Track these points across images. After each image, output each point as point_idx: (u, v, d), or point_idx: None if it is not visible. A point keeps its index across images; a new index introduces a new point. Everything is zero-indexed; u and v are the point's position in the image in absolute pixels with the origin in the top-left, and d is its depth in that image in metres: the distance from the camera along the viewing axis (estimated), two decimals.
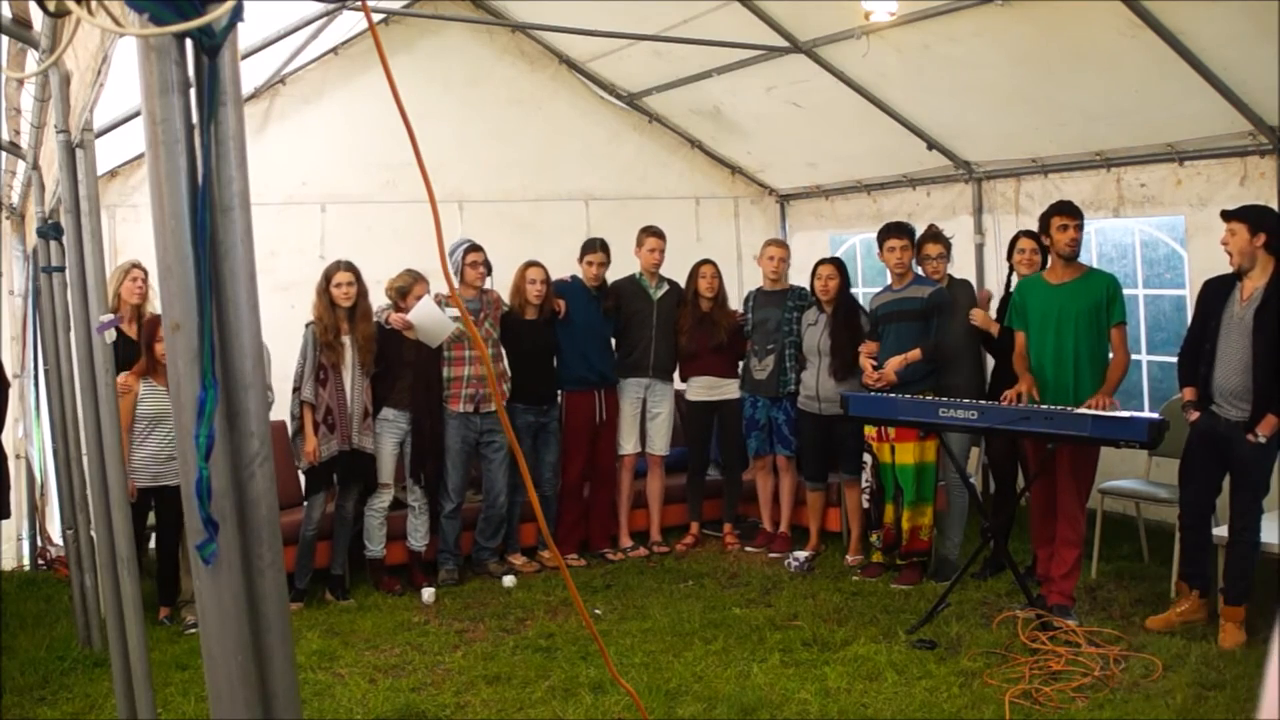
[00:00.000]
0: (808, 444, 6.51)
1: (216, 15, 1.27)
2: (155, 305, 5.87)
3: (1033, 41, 5.52)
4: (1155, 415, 5.07)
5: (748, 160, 8.56)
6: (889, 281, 6.06)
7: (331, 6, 6.00)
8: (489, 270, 6.27)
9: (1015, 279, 5.70)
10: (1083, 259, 5.34)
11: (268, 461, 1.38)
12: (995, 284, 6.54)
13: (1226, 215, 4.76)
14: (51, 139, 3.16)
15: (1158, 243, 6.67)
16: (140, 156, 6.17)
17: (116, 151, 6.35)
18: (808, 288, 6.52)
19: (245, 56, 5.70)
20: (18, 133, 4.56)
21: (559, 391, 6.58)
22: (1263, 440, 4.59)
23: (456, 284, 6.13)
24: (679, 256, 6.89)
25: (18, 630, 5.45)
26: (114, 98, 4.61)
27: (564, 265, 6.64)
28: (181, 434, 1.32)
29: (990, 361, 6.06)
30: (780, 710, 4.26)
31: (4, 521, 5.87)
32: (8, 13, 2.88)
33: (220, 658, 1.34)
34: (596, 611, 5.58)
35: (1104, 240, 7.13)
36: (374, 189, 7.25)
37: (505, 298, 6.44)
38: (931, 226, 6.14)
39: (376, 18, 7.04)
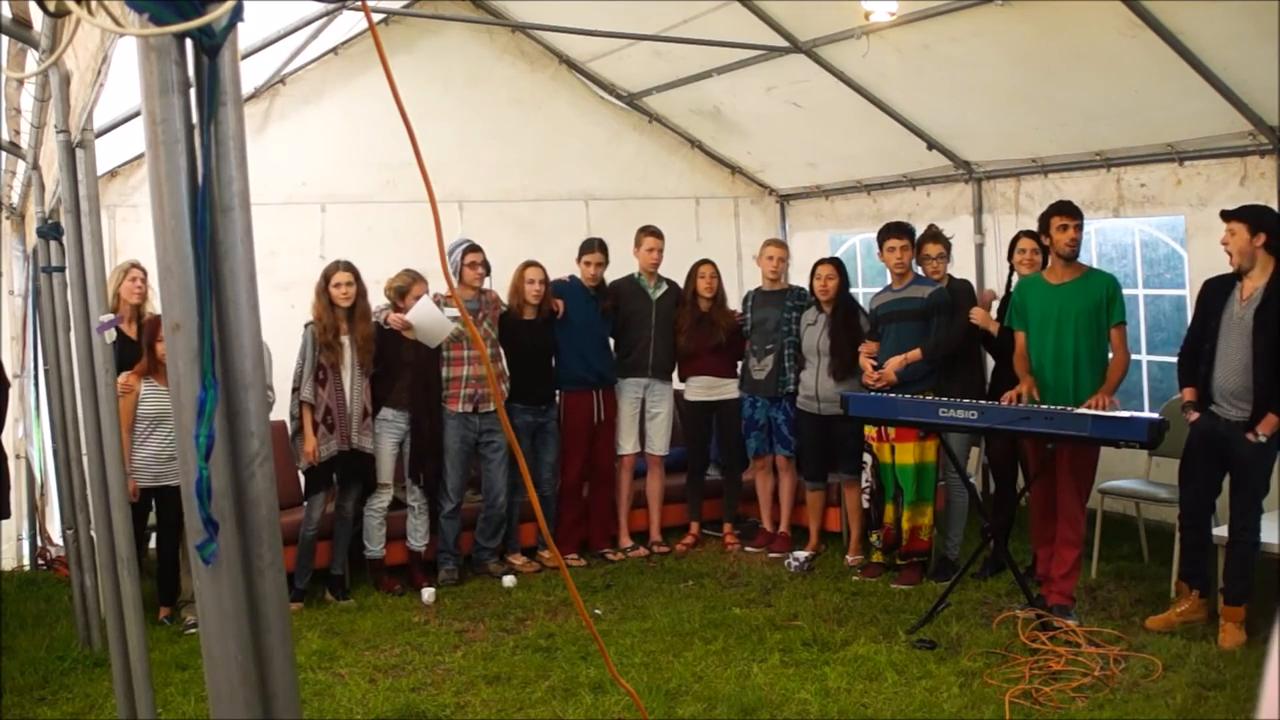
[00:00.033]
0: (807, 444, 6.51)
1: (216, 15, 1.27)
2: (155, 305, 5.87)
3: (1033, 41, 5.52)
4: (1155, 415, 5.07)
5: (748, 160, 8.56)
6: (889, 281, 6.06)
7: (331, 6, 6.00)
8: (487, 270, 6.27)
9: (1016, 279, 5.70)
10: (1083, 259, 5.34)
11: (268, 461, 1.38)
12: (995, 284, 6.54)
13: (1226, 215, 4.76)
14: (51, 139, 3.16)
15: (1158, 243, 6.67)
16: (140, 156, 6.17)
17: (116, 151, 6.35)
18: (807, 288, 6.52)
19: (245, 56, 5.70)
20: (18, 133, 4.56)
21: (557, 392, 6.58)
22: (1263, 439, 4.59)
23: (455, 284, 6.13)
24: (679, 256, 6.89)
25: (18, 630, 5.45)
26: (114, 98, 4.61)
27: (564, 265, 6.64)
28: (181, 434, 1.32)
29: (990, 361, 6.06)
30: (780, 710, 4.26)
31: (4, 521, 5.87)
32: (8, 13, 2.88)
33: (220, 658, 1.34)
34: (596, 611, 5.58)
35: (1104, 240, 7.13)
36: (374, 189, 7.25)
37: (503, 298, 6.44)
38: (931, 226, 6.14)
39: (376, 18, 7.04)
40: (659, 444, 6.80)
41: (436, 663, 4.95)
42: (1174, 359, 5.29)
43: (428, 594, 5.90)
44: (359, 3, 5.84)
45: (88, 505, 4.06)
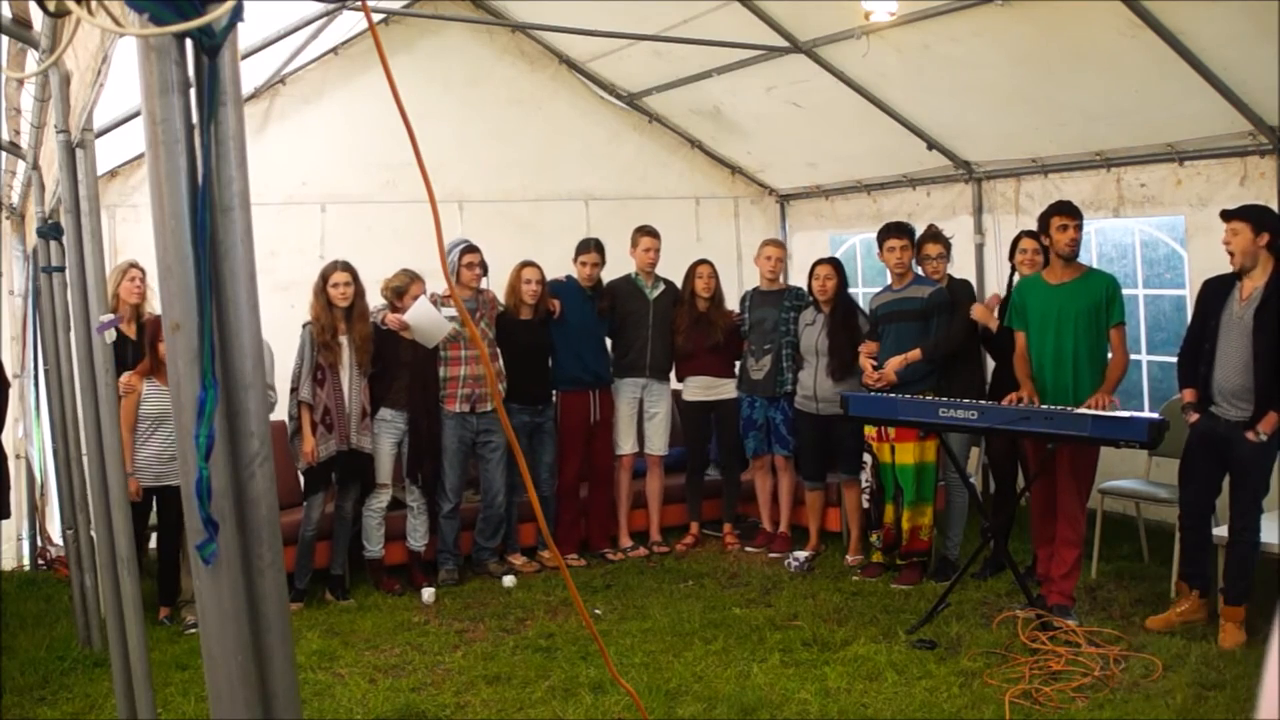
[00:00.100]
0: (806, 444, 6.51)
1: (216, 15, 1.27)
2: (154, 305, 5.87)
3: (1033, 41, 5.52)
4: (1155, 415, 5.07)
5: (748, 160, 8.56)
6: (889, 281, 6.06)
7: (331, 6, 6.00)
8: (485, 271, 6.27)
9: (1017, 279, 5.70)
10: (1083, 259, 5.34)
11: (268, 461, 1.38)
12: (996, 284, 6.54)
13: (1227, 215, 4.75)
14: (51, 139, 3.16)
15: (1158, 243, 6.67)
16: (140, 156, 6.17)
17: (116, 151, 6.35)
18: (805, 288, 6.52)
19: (245, 56, 5.70)
20: (18, 133, 4.56)
21: (554, 392, 6.58)
22: (1264, 438, 4.59)
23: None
24: (679, 256, 6.89)
25: (18, 630, 5.45)
26: (114, 98, 4.61)
27: (563, 265, 6.64)
28: (181, 434, 1.32)
29: (990, 362, 6.05)
30: (780, 710, 4.26)
31: (4, 521, 5.87)
32: (8, 13, 2.88)
33: (220, 658, 1.34)
34: (596, 611, 5.58)
35: (1104, 240, 7.13)
36: (374, 189, 7.25)
37: (500, 297, 6.44)
38: (931, 226, 6.14)
39: (376, 18, 7.04)
40: (658, 444, 6.80)
41: (436, 663, 4.95)
42: (1174, 359, 5.29)
43: (428, 594, 5.90)
44: (359, 3, 5.84)
45: (88, 505, 4.06)
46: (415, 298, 5.92)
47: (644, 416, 6.78)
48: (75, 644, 5.13)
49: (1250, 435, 4.62)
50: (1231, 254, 4.70)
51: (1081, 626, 4.90)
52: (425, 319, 5.83)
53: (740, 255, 8.44)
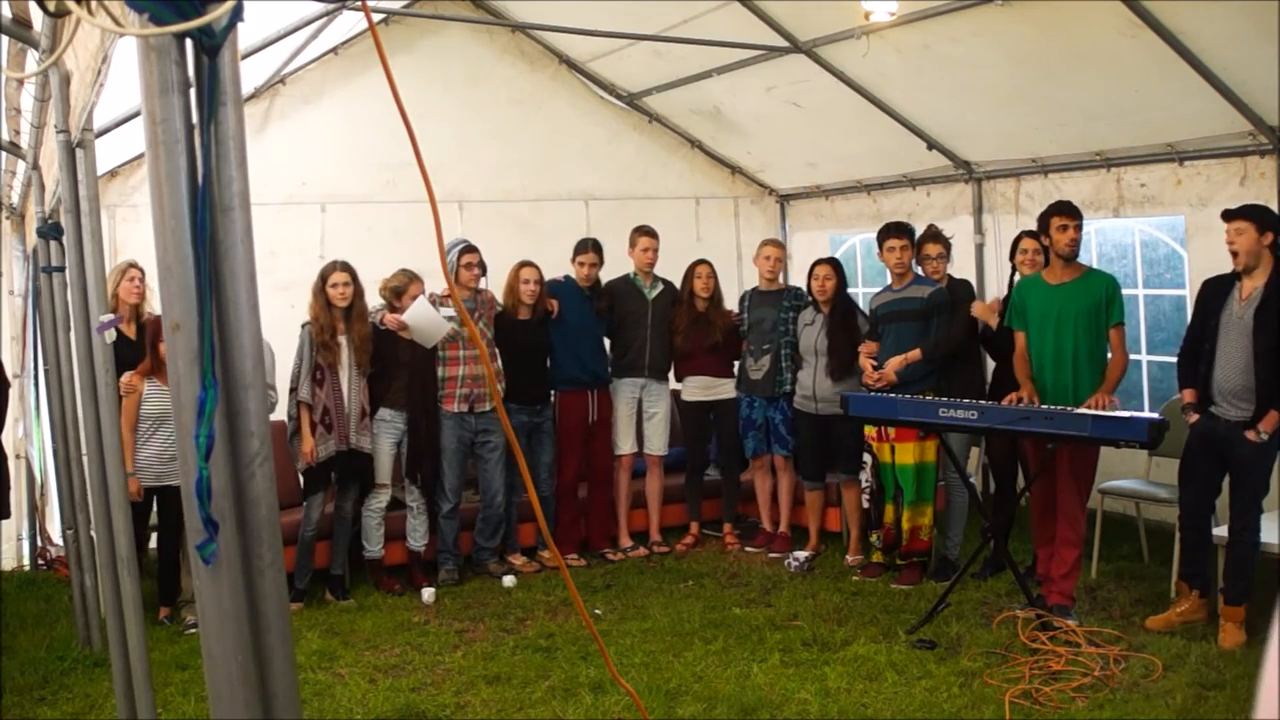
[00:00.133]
0: (805, 444, 6.51)
1: (216, 15, 1.27)
2: (153, 305, 5.87)
3: (1033, 41, 5.52)
4: (1155, 415, 5.07)
5: (748, 160, 8.56)
6: (889, 281, 6.06)
7: (331, 6, 6.00)
8: (483, 271, 6.27)
9: (1017, 279, 5.69)
10: (1083, 259, 5.34)
11: (268, 461, 1.38)
12: (995, 284, 6.54)
13: (1230, 214, 4.74)
14: (51, 139, 3.16)
15: (1158, 243, 6.68)
16: (140, 156, 6.17)
17: (116, 151, 6.35)
18: (805, 288, 6.52)
19: (245, 56, 5.70)
20: (18, 133, 4.56)
21: (552, 392, 6.58)
22: (1265, 437, 4.59)
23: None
24: (679, 256, 6.89)
25: (18, 630, 5.45)
26: (114, 98, 4.61)
27: (563, 265, 6.64)
28: (181, 434, 1.32)
29: (990, 362, 6.05)
30: (780, 710, 4.26)
31: (4, 521, 5.87)
32: (8, 13, 2.88)
33: (220, 658, 1.34)
34: (596, 611, 5.58)
35: (1104, 240, 7.13)
36: (374, 189, 7.25)
37: (499, 297, 6.44)
38: (931, 226, 6.14)
39: (376, 18, 7.04)
40: (657, 444, 6.80)
41: (436, 663, 4.95)
42: (1174, 359, 5.29)
43: (428, 594, 5.90)
44: (359, 3, 5.84)
45: (88, 505, 4.06)
46: (414, 298, 5.92)
47: (643, 416, 6.78)
48: (75, 644, 5.13)
49: (1251, 435, 4.62)
50: (1235, 253, 4.69)
51: (1081, 626, 4.90)
52: (424, 319, 5.83)
53: (740, 255, 8.44)
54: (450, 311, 5.96)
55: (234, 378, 1.35)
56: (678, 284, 6.81)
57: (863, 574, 6.05)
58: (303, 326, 5.84)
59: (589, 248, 6.59)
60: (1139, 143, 6.01)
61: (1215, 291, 4.85)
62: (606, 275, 6.73)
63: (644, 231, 6.74)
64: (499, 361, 6.32)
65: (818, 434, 6.39)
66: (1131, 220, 6.51)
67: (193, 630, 5.25)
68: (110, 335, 3.08)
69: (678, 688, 4.49)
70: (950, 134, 6.94)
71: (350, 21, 6.77)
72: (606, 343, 6.79)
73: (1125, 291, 5.35)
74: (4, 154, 5.31)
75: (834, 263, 6.48)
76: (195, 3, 1.26)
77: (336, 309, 5.79)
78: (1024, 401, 5.12)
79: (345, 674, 4.82)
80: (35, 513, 6.77)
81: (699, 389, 6.80)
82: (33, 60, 3.21)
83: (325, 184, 7.30)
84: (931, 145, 7.01)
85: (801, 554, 6.37)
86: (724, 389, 6.77)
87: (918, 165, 7.35)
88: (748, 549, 6.74)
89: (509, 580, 6.15)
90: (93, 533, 3.65)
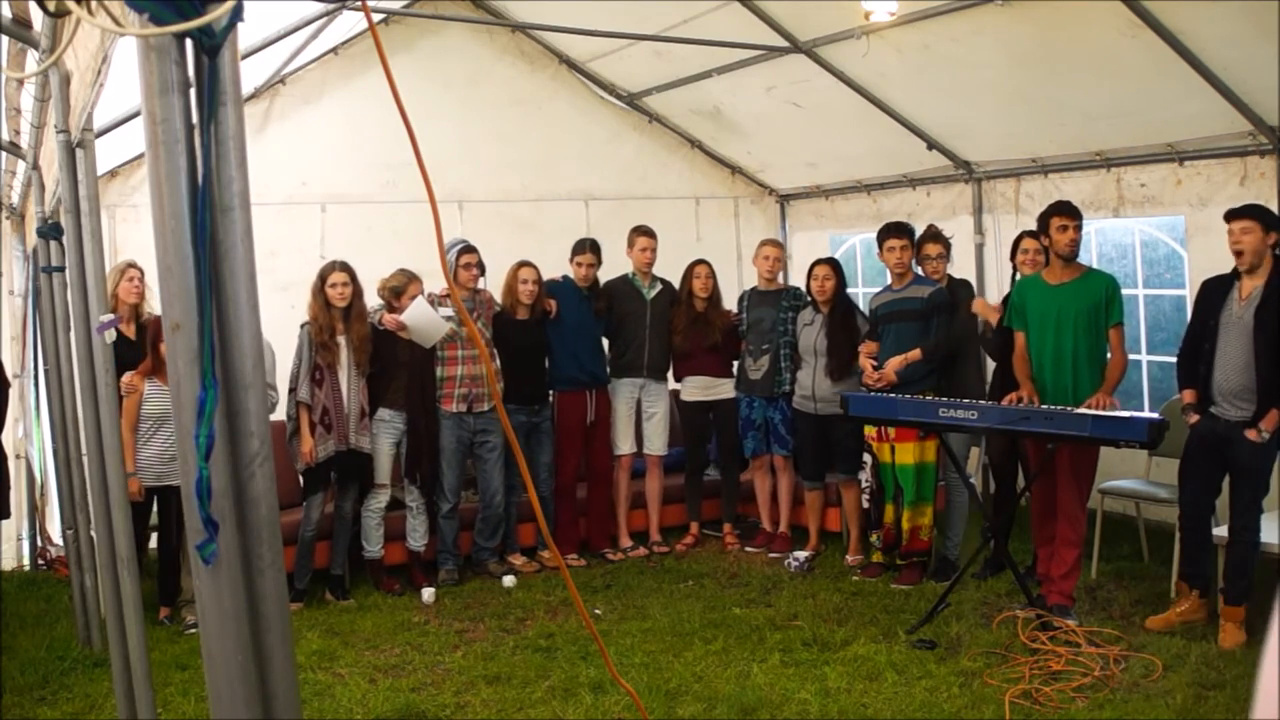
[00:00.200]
0: (804, 444, 6.51)
1: (216, 15, 1.27)
2: (152, 305, 5.87)
3: (1033, 41, 5.52)
4: (1155, 415, 5.07)
5: (748, 160, 8.56)
6: (889, 281, 6.06)
7: (331, 6, 6.00)
8: (482, 271, 6.27)
9: (1019, 279, 5.70)
10: (1082, 259, 5.34)
11: (268, 461, 1.38)
12: (995, 284, 6.53)
13: (1235, 213, 4.72)
14: (51, 139, 3.16)
15: (1158, 243, 6.68)
16: (140, 156, 6.17)
17: (116, 151, 6.35)
18: (804, 288, 6.52)
19: (245, 56, 5.70)
20: (18, 133, 4.56)
21: (550, 392, 6.58)
22: (1266, 436, 4.59)
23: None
24: (678, 256, 6.89)
25: (18, 630, 5.45)
26: (114, 98, 4.61)
27: (564, 265, 6.64)
28: (181, 434, 1.32)
29: (990, 362, 6.05)
30: (780, 710, 4.26)
31: (4, 521, 5.87)
32: (8, 13, 2.88)
33: (220, 658, 1.34)
34: (596, 611, 5.58)
35: (1104, 240, 7.13)
36: (374, 189, 7.25)
37: (497, 297, 6.44)
38: (931, 226, 6.14)
39: (376, 18, 7.04)
40: (657, 444, 6.81)
41: (436, 663, 4.95)
42: (1174, 359, 5.29)
43: (428, 594, 5.90)
44: (359, 3, 5.84)
45: (88, 505, 4.06)
46: (413, 298, 5.91)
47: (642, 416, 6.78)
48: (75, 644, 5.13)
49: (1252, 434, 4.61)
50: (1241, 253, 4.67)
51: (1081, 626, 4.90)
52: (422, 319, 5.83)
53: (740, 255, 8.44)
54: (449, 311, 5.96)
55: (234, 378, 1.35)
56: (678, 284, 6.81)
57: (863, 574, 6.05)
58: (301, 327, 5.84)
59: (587, 248, 6.59)
60: (1139, 143, 6.01)
61: (1214, 292, 4.85)
62: (608, 275, 6.73)
63: (642, 231, 6.74)
64: (496, 362, 6.33)
65: (817, 434, 6.39)
66: (1131, 220, 6.51)
67: (193, 630, 5.26)
68: (110, 335, 3.08)
69: (678, 688, 4.49)
70: (950, 134, 6.94)
71: (350, 21, 6.77)
72: (605, 343, 6.79)
73: (1125, 291, 5.35)
74: (4, 154, 5.31)
75: (833, 263, 6.48)
76: (195, 3, 1.26)
77: (335, 309, 5.79)
78: (1024, 401, 5.12)
79: (345, 674, 4.82)
80: (35, 513, 6.77)
81: (698, 389, 6.80)
82: (33, 60, 3.21)
83: (325, 184, 7.30)
84: (931, 145, 7.01)
85: (801, 554, 6.37)
86: (723, 389, 6.77)
87: (918, 165, 7.35)
88: (748, 549, 6.75)
89: (509, 580, 6.15)
90: (93, 533, 3.65)
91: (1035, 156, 6.65)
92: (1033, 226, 5.52)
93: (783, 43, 6.47)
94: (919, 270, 5.99)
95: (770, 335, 6.56)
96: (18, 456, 6.51)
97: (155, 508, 5.56)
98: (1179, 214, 6.06)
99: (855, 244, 8.43)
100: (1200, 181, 5.83)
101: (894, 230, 5.97)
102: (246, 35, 4.70)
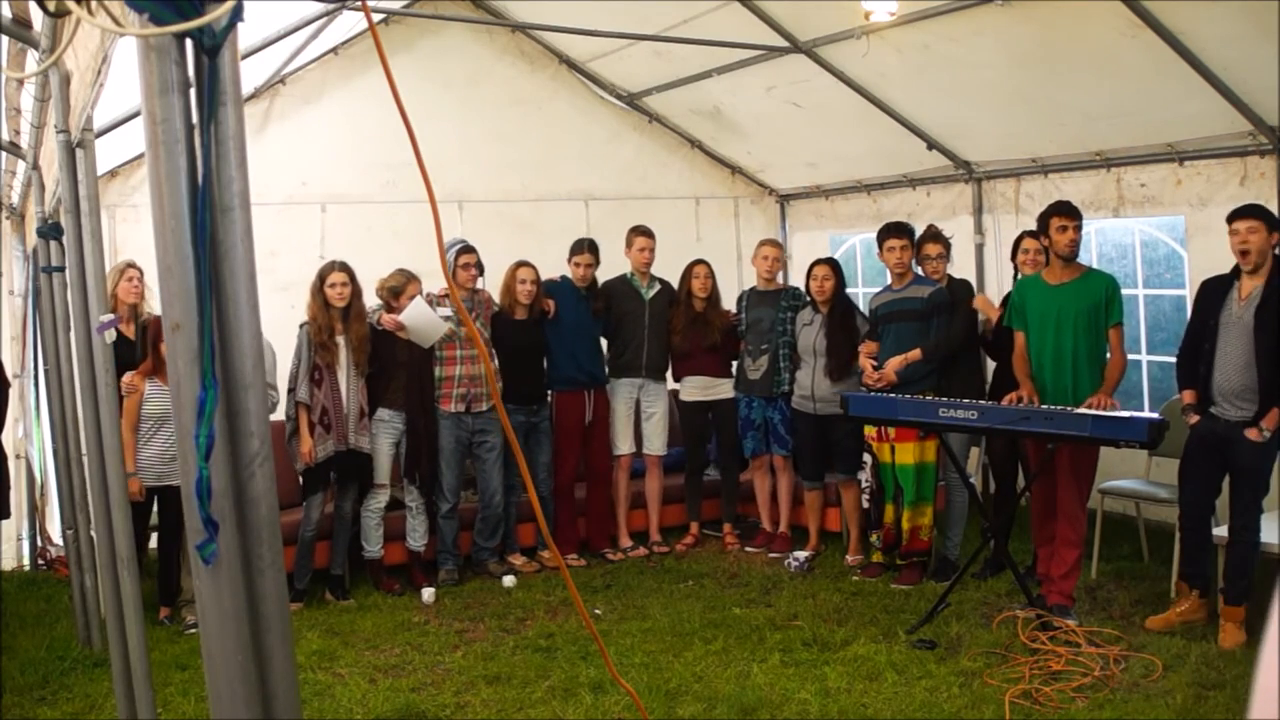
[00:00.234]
0: (804, 444, 6.51)
1: (216, 15, 1.27)
2: (152, 305, 5.87)
3: (1033, 41, 5.52)
4: (1155, 415, 5.07)
5: (748, 160, 8.56)
6: (889, 281, 6.06)
7: (331, 6, 6.00)
8: (480, 271, 6.27)
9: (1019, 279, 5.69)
10: (1083, 259, 5.34)
11: (268, 461, 1.38)
12: (996, 284, 6.53)
13: (1239, 213, 4.71)
14: (51, 139, 3.16)
15: (1158, 243, 6.68)
16: (140, 156, 6.17)
17: (116, 151, 6.36)
18: (803, 288, 6.52)
19: (245, 56, 5.70)
20: (18, 133, 4.56)
21: (548, 392, 6.58)
22: (1267, 435, 4.59)
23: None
24: (678, 256, 6.89)
25: (18, 630, 5.45)
26: (114, 98, 4.61)
27: (563, 265, 6.64)
28: (181, 434, 1.32)
29: (990, 362, 6.05)
30: (780, 710, 4.26)
31: (4, 521, 5.87)
32: (8, 13, 2.88)
33: (220, 658, 1.34)
34: (596, 611, 5.58)
35: (1104, 240, 7.13)
36: (374, 189, 7.25)
37: (495, 297, 6.44)
38: (931, 226, 6.14)
39: (376, 18, 7.04)
40: (656, 444, 6.81)
41: (436, 663, 4.95)
42: (1174, 359, 5.29)
43: (428, 594, 5.90)
44: (359, 3, 5.84)
45: (88, 505, 4.06)
46: (411, 298, 5.91)
47: (641, 417, 6.79)
48: (75, 644, 5.13)
49: (1253, 433, 4.61)
50: (1247, 253, 4.66)
51: (1081, 626, 4.90)
52: (421, 319, 5.83)
53: (740, 255, 8.44)
54: (447, 311, 5.96)
55: (234, 378, 1.35)
56: (677, 284, 6.81)
57: (863, 574, 6.05)
58: (301, 327, 5.83)
59: (585, 248, 6.59)
60: (1139, 143, 6.01)
61: (1214, 291, 4.85)
62: (608, 275, 6.73)
63: (640, 231, 6.74)
64: (495, 362, 6.33)
65: (816, 434, 6.39)
66: (1131, 220, 6.51)
67: (193, 630, 5.26)
68: (110, 335, 3.08)
69: (678, 688, 4.49)
70: (950, 134, 6.94)
71: (350, 21, 6.77)
72: (603, 343, 6.79)
73: (1125, 291, 5.35)
74: (4, 154, 5.31)
75: (832, 263, 6.48)
76: (195, 3, 1.26)
77: (334, 309, 5.79)
78: (1024, 401, 5.12)
79: (345, 674, 4.82)
80: (35, 513, 6.77)
81: (697, 389, 6.80)
82: (33, 60, 3.21)
83: (325, 184, 7.30)
84: (931, 145, 7.01)
85: (801, 554, 6.37)
86: (722, 389, 6.77)
87: (918, 165, 7.35)
88: (748, 549, 6.75)
89: (509, 580, 6.15)
90: (93, 533, 3.65)
91: (1035, 156, 6.66)
92: (1033, 226, 5.51)
93: (783, 43, 6.47)
94: (919, 270, 5.98)
95: (769, 335, 6.56)
96: (18, 456, 6.51)
97: (155, 508, 5.56)
98: (1179, 214, 6.06)
99: (855, 244, 8.43)
100: (1200, 181, 5.83)
101: (894, 230, 5.97)
102: (246, 35, 4.70)
